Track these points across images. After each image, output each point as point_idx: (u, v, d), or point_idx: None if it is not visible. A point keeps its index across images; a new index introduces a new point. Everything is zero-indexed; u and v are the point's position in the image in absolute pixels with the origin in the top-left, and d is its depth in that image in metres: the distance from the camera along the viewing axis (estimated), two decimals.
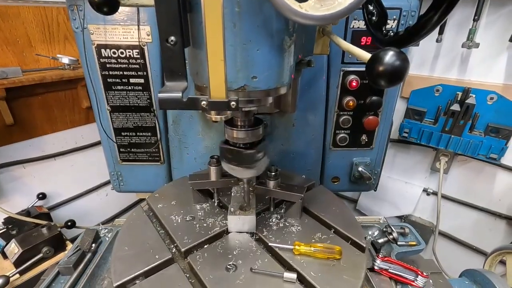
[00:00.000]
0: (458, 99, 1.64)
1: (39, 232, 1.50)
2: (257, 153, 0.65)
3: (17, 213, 1.61)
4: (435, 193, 1.95)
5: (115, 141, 1.25)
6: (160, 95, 0.43)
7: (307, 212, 0.88)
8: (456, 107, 1.61)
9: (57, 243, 1.52)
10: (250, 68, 0.49)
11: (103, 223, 1.95)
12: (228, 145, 0.68)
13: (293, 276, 0.64)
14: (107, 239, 1.05)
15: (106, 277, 0.87)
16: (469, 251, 1.93)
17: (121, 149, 1.27)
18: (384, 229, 1.09)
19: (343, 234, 0.79)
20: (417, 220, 2.07)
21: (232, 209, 0.79)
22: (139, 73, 1.11)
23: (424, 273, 0.85)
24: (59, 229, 1.56)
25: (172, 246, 0.78)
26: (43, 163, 1.81)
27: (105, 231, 1.09)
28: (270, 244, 0.73)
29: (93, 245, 1.01)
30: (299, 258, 0.70)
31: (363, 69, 1.15)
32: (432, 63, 1.74)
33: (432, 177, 1.96)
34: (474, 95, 1.60)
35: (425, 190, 1.99)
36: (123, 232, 0.79)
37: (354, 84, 1.16)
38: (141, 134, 1.23)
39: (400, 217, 2.12)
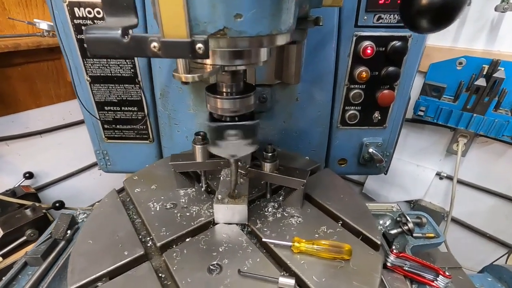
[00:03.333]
0: (484, 73, 1.45)
1: (22, 214, 1.41)
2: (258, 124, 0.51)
3: (1, 193, 1.51)
4: (448, 177, 1.81)
5: (97, 116, 1.12)
6: (88, 33, 0.28)
7: (310, 200, 0.74)
8: (481, 81, 1.43)
9: (42, 225, 1.43)
10: (231, 1, 0.33)
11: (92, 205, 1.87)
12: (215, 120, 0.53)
13: (291, 282, 0.51)
14: (83, 224, 0.94)
15: None
16: (482, 239, 1.82)
17: (105, 126, 1.15)
18: (398, 218, 0.96)
19: (353, 227, 0.65)
20: (427, 205, 1.94)
21: (219, 196, 0.66)
22: None
23: (447, 273, 0.72)
24: (44, 210, 1.46)
25: (148, 239, 0.65)
26: (28, 140, 1.69)
27: (83, 216, 0.98)
28: (264, 239, 0.60)
29: (68, 232, 0.91)
30: (298, 257, 0.57)
31: (381, 33, 0.99)
32: (456, 32, 1.53)
33: (447, 160, 1.81)
34: (503, 68, 1.41)
35: (438, 174, 1.85)
36: (90, 222, 0.66)
37: (368, 51, 0.99)
38: (126, 109, 1.10)
39: (409, 202, 2.00)
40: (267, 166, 0.68)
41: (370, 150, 1.17)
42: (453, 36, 1.55)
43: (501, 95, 1.43)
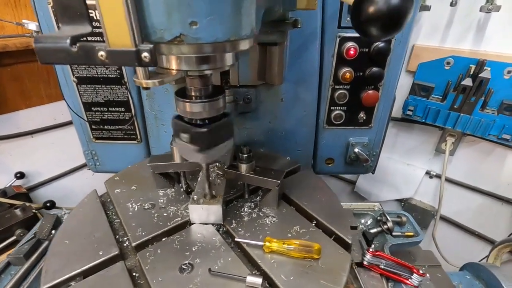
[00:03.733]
0: (471, 73, 1.46)
1: (12, 214, 1.42)
2: (209, 133, 0.51)
3: None
4: (438, 176, 1.82)
5: (85, 117, 1.13)
6: (37, 43, 0.29)
7: (288, 200, 0.75)
8: (468, 81, 1.44)
9: (32, 225, 1.44)
10: (186, 8, 0.34)
11: None
12: (181, 120, 0.54)
13: (258, 280, 0.52)
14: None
15: None
16: (470, 237, 1.83)
17: (93, 126, 1.16)
18: (379, 217, 0.97)
19: (326, 227, 0.66)
20: (417, 204, 1.96)
21: (195, 197, 0.67)
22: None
23: (421, 271, 0.74)
24: (34, 210, 1.47)
25: (125, 239, 0.66)
26: (19, 140, 1.70)
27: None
28: (237, 239, 0.61)
29: (53, 232, 0.92)
30: (269, 257, 0.59)
31: None
32: (444, 32, 1.54)
33: (436, 159, 1.82)
34: (489, 68, 1.42)
35: (427, 173, 1.86)
36: (68, 222, 0.67)
37: (352, 52, 1.00)
38: (113, 109, 1.11)
39: (400, 201, 2.01)
40: (243, 167, 0.70)
41: (356, 150, 1.18)
42: (441, 36, 1.55)
43: (487, 95, 1.44)
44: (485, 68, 1.42)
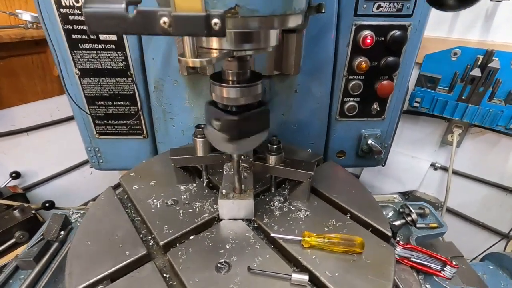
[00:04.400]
0: (479, 63, 1.45)
1: (10, 215, 1.35)
2: (241, 122, 0.47)
3: None
4: (443, 168, 1.83)
5: (88, 111, 1.07)
6: (87, 8, 0.24)
7: (316, 193, 0.72)
8: (476, 72, 1.43)
9: (32, 227, 1.38)
10: None
11: (85, 204, 1.81)
12: (215, 106, 0.50)
13: (305, 278, 0.48)
14: (79, 225, 0.90)
15: None
16: (475, 228, 1.85)
17: (97, 121, 1.11)
18: (401, 209, 0.95)
19: (362, 219, 0.63)
20: (422, 196, 1.96)
21: (224, 191, 0.63)
22: None
23: (454, 262, 0.72)
24: (33, 211, 1.40)
25: (150, 238, 0.62)
26: (14, 138, 1.62)
27: (77, 215, 0.94)
28: (272, 234, 0.58)
29: (62, 232, 0.86)
30: (309, 252, 0.55)
31: (380, 22, 0.97)
32: (451, 22, 1.53)
33: (441, 151, 1.83)
34: (497, 59, 1.41)
35: (432, 165, 1.86)
36: (87, 222, 0.62)
37: (368, 41, 0.98)
38: (118, 103, 1.05)
39: (404, 193, 2.01)
40: (272, 159, 0.66)
41: (370, 141, 1.17)
42: (448, 27, 1.54)
43: (496, 85, 1.44)
44: (493, 58, 1.41)
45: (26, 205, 1.42)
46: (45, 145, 1.72)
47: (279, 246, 0.58)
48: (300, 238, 0.56)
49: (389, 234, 0.60)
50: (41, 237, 0.84)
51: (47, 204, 1.59)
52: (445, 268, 0.73)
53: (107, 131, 1.11)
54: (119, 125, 1.09)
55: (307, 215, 0.64)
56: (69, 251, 0.55)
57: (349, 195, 0.70)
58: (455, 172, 1.78)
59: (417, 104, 1.66)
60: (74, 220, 0.92)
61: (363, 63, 0.99)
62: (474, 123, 1.53)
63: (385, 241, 0.59)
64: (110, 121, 1.08)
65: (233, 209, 0.62)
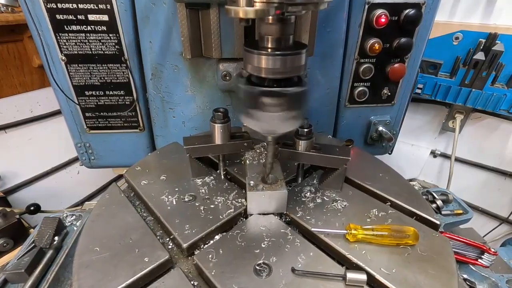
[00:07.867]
0: (482, 47, 1.43)
1: None
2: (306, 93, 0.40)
3: None
4: (442, 155, 1.82)
5: (77, 102, 0.96)
6: None
7: (347, 180, 0.66)
8: (480, 56, 1.41)
9: (17, 233, 1.24)
10: None
11: (76, 206, 1.68)
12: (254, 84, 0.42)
13: (363, 277, 0.42)
14: (75, 228, 0.80)
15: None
16: (474, 213, 1.86)
17: (87, 114, 1.01)
18: (424, 196, 0.90)
19: (404, 208, 0.57)
20: (421, 184, 1.95)
21: (251, 182, 0.55)
22: (100, 6, 0.81)
23: (493, 249, 0.68)
24: (17, 216, 1.27)
25: (168, 240, 0.53)
26: None
27: (72, 218, 0.84)
28: (312, 229, 0.51)
29: (56, 238, 0.76)
30: (357, 247, 0.49)
31: (394, 0, 0.91)
32: (453, 6, 1.50)
33: (441, 138, 1.82)
34: (500, 42, 1.40)
35: (432, 152, 1.86)
36: (92, 224, 0.53)
37: (382, 20, 0.93)
38: (111, 93, 0.96)
39: None
40: (302, 144, 0.58)
41: (380, 128, 1.13)
42: (449, 11, 1.52)
43: (498, 69, 1.43)
44: (497, 41, 1.39)
45: (8, 209, 1.29)
46: (26, 144, 1.57)
47: (320, 241, 0.51)
48: (344, 231, 0.50)
49: (438, 222, 0.54)
50: (32, 244, 0.73)
51: (32, 208, 1.45)
52: (482, 256, 0.69)
53: (99, 125, 1.02)
54: (112, 117, 1.00)
55: (344, 205, 0.57)
56: (75, 260, 0.45)
57: (384, 182, 0.64)
58: (455, 158, 1.78)
59: (419, 91, 1.63)
60: (69, 223, 0.82)
61: (376, 44, 0.95)
62: (477, 108, 1.52)
63: (434, 229, 0.53)
64: (102, 113, 0.99)
65: (264, 202, 0.54)
